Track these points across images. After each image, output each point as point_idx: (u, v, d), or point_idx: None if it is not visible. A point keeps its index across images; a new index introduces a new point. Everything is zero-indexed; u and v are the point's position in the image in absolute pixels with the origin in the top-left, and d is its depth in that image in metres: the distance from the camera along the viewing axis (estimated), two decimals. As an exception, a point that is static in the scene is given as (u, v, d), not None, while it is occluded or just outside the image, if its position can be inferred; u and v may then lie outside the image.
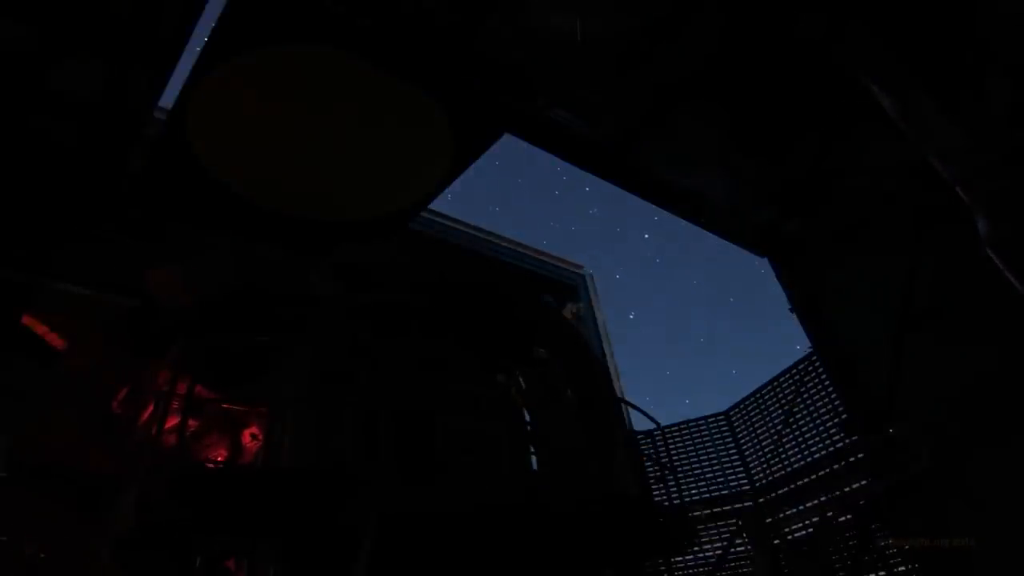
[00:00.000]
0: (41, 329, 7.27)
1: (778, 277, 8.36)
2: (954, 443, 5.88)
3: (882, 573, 6.66)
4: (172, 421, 5.54)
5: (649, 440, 8.11)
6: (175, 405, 5.62)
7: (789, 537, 8.04)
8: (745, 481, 9.15)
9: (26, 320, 6.86)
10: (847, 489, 7.40)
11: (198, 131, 5.11)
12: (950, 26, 3.77)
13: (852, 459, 7.38)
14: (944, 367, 6.10)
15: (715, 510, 9.04)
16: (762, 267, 8.61)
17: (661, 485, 8.69)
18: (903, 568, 6.48)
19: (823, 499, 7.69)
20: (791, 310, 8.22)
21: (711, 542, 8.80)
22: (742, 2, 5.37)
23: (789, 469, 8.48)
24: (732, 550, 8.49)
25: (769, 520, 8.39)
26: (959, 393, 5.90)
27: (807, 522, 7.86)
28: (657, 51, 5.69)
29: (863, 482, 7.14)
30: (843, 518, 7.38)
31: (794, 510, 8.09)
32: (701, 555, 8.77)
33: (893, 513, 6.59)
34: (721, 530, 8.82)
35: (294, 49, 4.64)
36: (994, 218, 3.38)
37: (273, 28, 4.44)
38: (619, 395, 10.13)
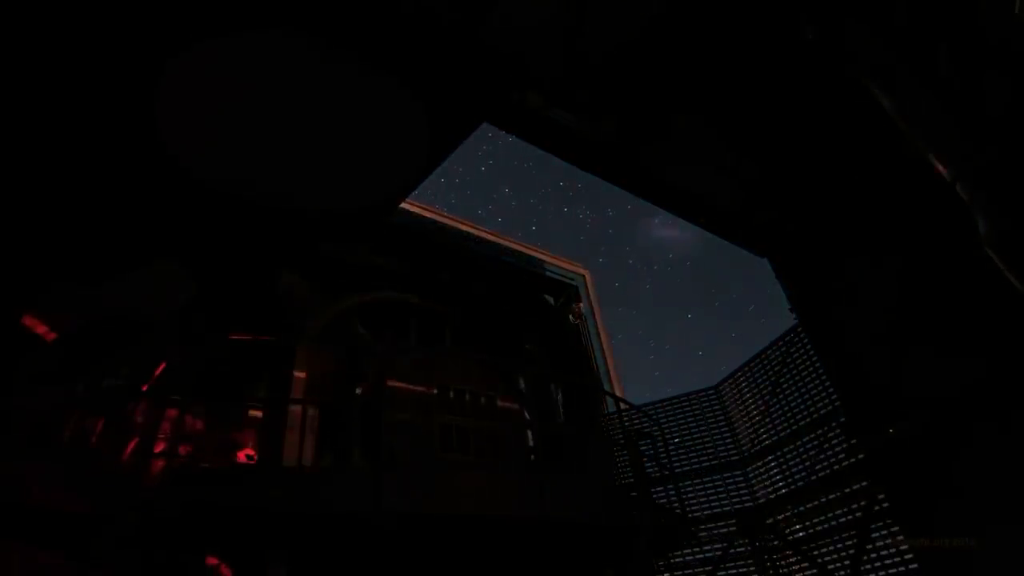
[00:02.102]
0: (41, 329, 7.24)
1: (778, 277, 8.37)
2: (954, 443, 5.88)
3: (882, 573, 6.66)
4: (159, 447, 5.41)
5: (642, 415, 8.25)
6: (163, 433, 5.55)
7: (789, 538, 8.04)
8: (734, 451, 9.36)
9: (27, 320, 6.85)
10: (847, 490, 7.40)
11: (168, 122, 5.00)
12: (950, 25, 3.78)
13: (853, 460, 7.38)
14: (944, 367, 6.10)
15: (715, 511, 9.05)
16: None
17: (653, 461, 8.79)
18: (903, 568, 6.47)
19: (823, 500, 7.69)
20: (791, 310, 8.24)
21: (711, 542, 8.80)
22: (742, 3, 5.38)
23: (776, 438, 8.69)
24: (732, 550, 8.48)
25: (769, 521, 8.39)
26: (959, 393, 5.90)
27: (807, 523, 7.86)
28: (656, 51, 5.71)
29: (863, 483, 7.13)
30: (843, 518, 7.38)
31: (793, 511, 8.10)
32: (701, 555, 8.77)
33: (893, 513, 6.59)
34: (721, 530, 8.82)
35: (263, 34, 4.56)
36: (993, 217, 3.39)
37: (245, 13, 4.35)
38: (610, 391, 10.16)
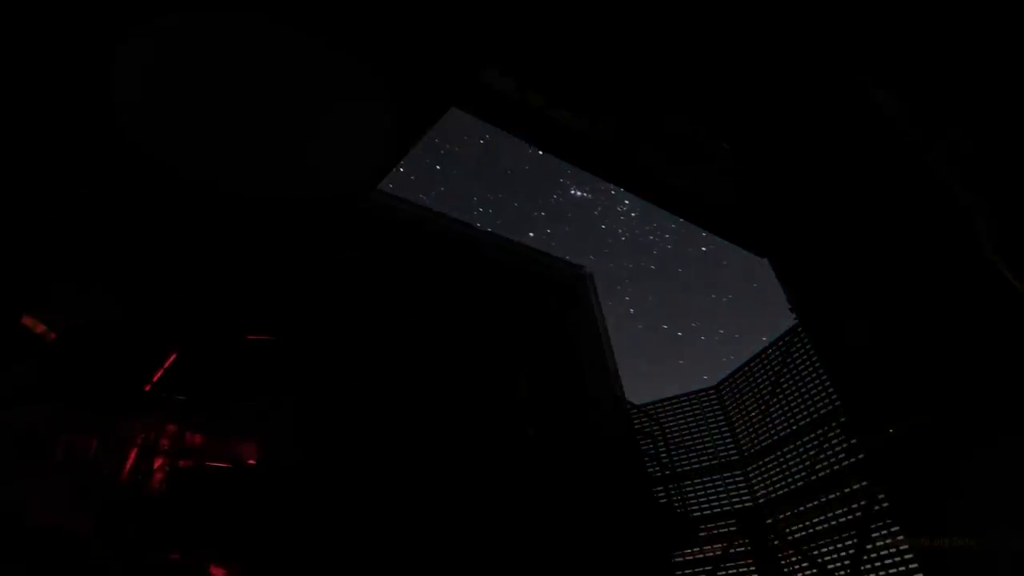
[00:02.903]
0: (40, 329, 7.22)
1: (778, 277, 8.37)
2: (953, 443, 5.88)
3: (882, 573, 6.66)
4: (159, 462, 5.41)
5: (642, 415, 8.24)
6: (162, 449, 5.56)
7: (789, 538, 8.04)
8: (734, 452, 9.35)
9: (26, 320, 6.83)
10: (847, 490, 7.40)
11: (124, 102, 4.89)
12: (953, 27, 3.77)
13: (853, 460, 7.38)
14: (944, 367, 6.10)
15: (715, 510, 9.05)
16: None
17: (654, 460, 8.79)
18: (902, 568, 6.47)
19: (823, 500, 7.70)
20: (791, 310, 8.23)
21: (711, 542, 8.80)
22: (742, 4, 5.38)
23: (776, 438, 8.69)
24: (732, 550, 8.48)
25: (769, 521, 8.39)
26: (960, 393, 5.90)
27: (807, 523, 7.86)
28: (655, 51, 5.70)
29: (863, 483, 7.14)
30: (843, 518, 7.38)
31: (793, 511, 8.10)
32: (701, 555, 8.77)
33: (893, 513, 6.59)
34: (721, 530, 8.82)
35: (225, 14, 4.44)
36: (994, 218, 3.38)
37: None
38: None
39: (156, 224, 6.02)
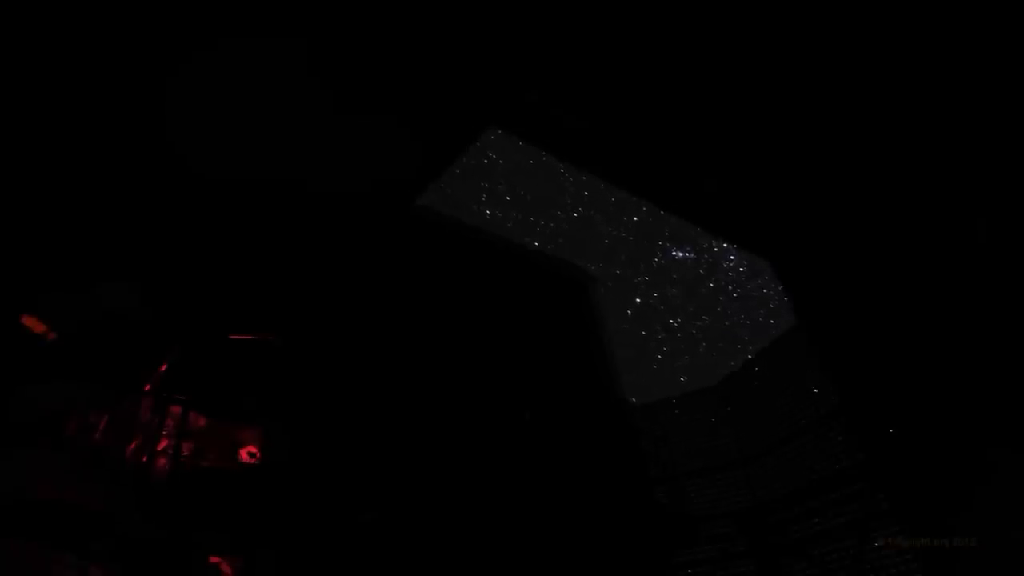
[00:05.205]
0: (40, 329, 7.20)
1: (779, 277, 8.38)
2: (954, 443, 5.88)
3: (882, 573, 6.66)
4: (163, 444, 5.45)
5: (643, 416, 8.22)
6: (166, 431, 5.58)
7: (789, 538, 8.04)
8: (734, 451, 9.37)
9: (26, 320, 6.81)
10: (847, 490, 7.41)
11: (178, 119, 5.08)
12: (958, 37, 3.78)
13: (853, 460, 7.39)
14: (944, 366, 6.10)
15: (715, 511, 9.06)
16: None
17: (654, 460, 8.80)
18: (903, 568, 6.48)
19: (823, 500, 7.70)
20: (792, 310, 8.24)
21: (711, 542, 8.80)
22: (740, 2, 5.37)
23: (776, 438, 8.70)
24: (732, 550, 8.48)
25: (769, 521, 8.39)
26: (959, 392, 5.90)
27: (807, 523, 7.86)
28: (657, 52, 5.70)
29: (863, 483, 7.14)
30: (843, 518, 7.38)
31: (794, 511, 8.10)
32: (701, 555, 8.78)
33: (893, 513, 6.59)
34: (721, 530, 8.82)
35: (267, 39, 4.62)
36: (993, 218, 3.39)
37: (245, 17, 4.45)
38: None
39: (160, 224, 6.06)
